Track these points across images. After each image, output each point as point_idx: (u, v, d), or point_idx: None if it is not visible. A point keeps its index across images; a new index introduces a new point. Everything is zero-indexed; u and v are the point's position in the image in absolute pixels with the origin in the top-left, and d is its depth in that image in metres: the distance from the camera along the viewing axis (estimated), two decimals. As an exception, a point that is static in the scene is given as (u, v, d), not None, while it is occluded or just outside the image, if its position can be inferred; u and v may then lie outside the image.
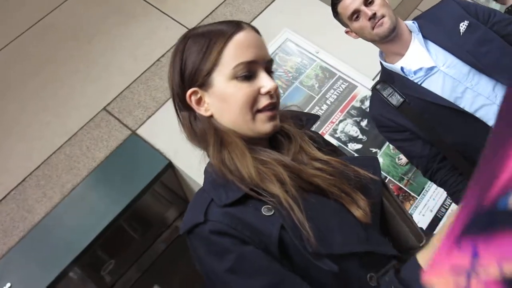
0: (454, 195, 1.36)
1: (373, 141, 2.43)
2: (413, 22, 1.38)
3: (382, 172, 2.37)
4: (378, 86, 1.41)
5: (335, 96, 2.58)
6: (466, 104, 1.25)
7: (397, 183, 2.36)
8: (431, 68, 1.30)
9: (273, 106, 0.78)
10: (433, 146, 1.34)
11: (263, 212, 0.70)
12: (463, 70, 1.27)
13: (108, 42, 2.74)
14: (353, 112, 2.52)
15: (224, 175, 0.74)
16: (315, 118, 0.95)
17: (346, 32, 1.43)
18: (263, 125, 0.78)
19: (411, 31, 1.35)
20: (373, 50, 1.50)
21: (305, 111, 2.54)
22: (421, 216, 2.28)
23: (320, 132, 2.47)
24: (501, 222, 0.28)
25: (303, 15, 2.81)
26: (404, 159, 2.41)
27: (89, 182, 2.23)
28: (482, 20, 1.30)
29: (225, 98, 0.77)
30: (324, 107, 2.55)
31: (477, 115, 1.25)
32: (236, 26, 0.78)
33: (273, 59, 0.84)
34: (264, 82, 0.77)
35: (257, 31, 0.82)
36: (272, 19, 2.86)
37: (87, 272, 2.29)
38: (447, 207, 2.30)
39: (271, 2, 2.92)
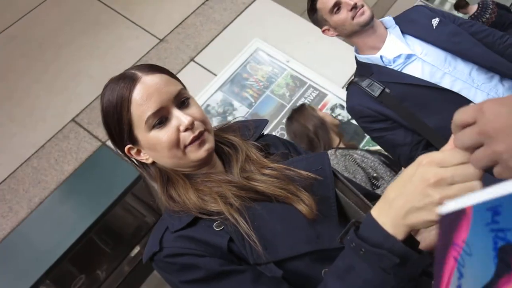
0: None
1: (351, 135, 2.49)
2: (389, 17, 1.44)
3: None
4: (355, 79, 1.43)
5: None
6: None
7: (368, 188, 2.41)
8: (410, 56, 1.33)
9: (198, 136, 0.83)
10: (415, 133, 1.34)
11: (214, 228, 0.77)
12: (440, 56, 1.32)
13: (75, 52, 2.70)
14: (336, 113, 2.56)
15: (173, 207, 0.81)
16: (263, 123, 1.00)
17: (323, 31, 1.45)
18: (196, 154, 0.83)
19: (386, 28, 1.39)
20: (343, 58, 1.54)
21: (277, 119, 2.58)
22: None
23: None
24: None
25: (273, 24, 2.85)
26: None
27: (57, 196, 2.18)
28: (449, 20, 1.38)
29: (153, 148, 0.84)
30: (295, 115, 2.58)
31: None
32: (131, 81, 0.82)
33: (185, 88, 0.88)
34: (179, 121, 0.81)
35: (153, 70, 0.85)
36: (243, 29, 2.89)
37: (56, 288, 2.22)
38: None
39: (241, 12, 2.95)
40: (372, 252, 0.56)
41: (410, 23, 1.40)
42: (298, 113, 2.01)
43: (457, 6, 3.52)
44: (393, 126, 1.36)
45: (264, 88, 2.68)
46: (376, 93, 1.34)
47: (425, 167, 0.53)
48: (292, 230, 0.78)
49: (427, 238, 0.70)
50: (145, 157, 0.88)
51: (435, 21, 1.36)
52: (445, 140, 1.27)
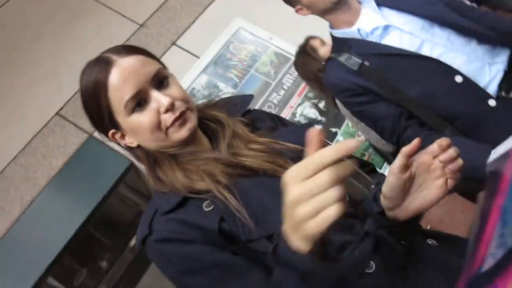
0: None
1: (332, 121, 2.49)
2: None
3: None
4: (333, 55, 1.40)
5: (292, 81, 2.61)
6: (426, 54, 1.28)
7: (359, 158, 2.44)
8: (387, 27, 1.32)
9: (180, 116, 0.81)
10: (397, 105, 1.33)
11: (205, 208, 0.76)
12: (417, 24, 1.31)
13: (55, 44, 2.63)
14: (310, 95, 2.56)
15: (161, 189, 0.81)
16: (248, 98, 1.00)
17: (297, 11, 1.43)
18: (178, 134, 0.82)
19: (360, 2, 1.37)
20: (325, 32, 1.52)
21: (263, 98, 2.57)
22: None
23: (280, 117, 2.51)
24: (483, 282, 0.35)
25: (254, 2, 2.80)
26: (363, 135, 2.49)
27: (49, 192, 2.15)
28: None
29: (135, 132, 0.83)
30: (282, 92, 2.57)
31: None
32: (106, 65, 0.80)
33: (164, 67, 0.86)
34: (159, 103, 0.80)
35: (129, 51, 0.83)
36: (224, 8, 2.84)
37: (59, 285, 2.22)
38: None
39: (221, -8, 2.90)
40: (281, 266, 0.57)
41: None
42: (298, 62, 2.03)
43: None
44: (374, 99, 1.34)
45: (249, 67, 2.66)
46: (355, 66, 1.32)
47: (287, 185, 0.50)
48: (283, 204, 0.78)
49: (451, 180, 0.69)
50: (130, 141, 0.87)
51: None
52: (427, 110, 1.27)
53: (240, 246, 0.74)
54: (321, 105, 2.53)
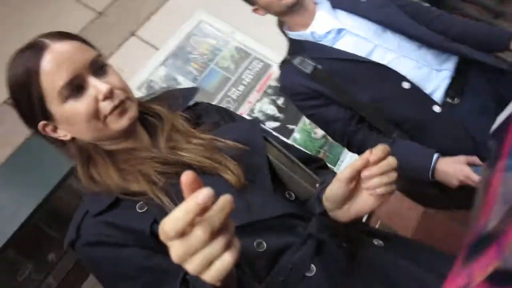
0: None
1: (290, 118, 2.52)
2: None
3: (300, 147, 2.49)
4: (287, 57, 1.41)
5: (251, 76, 2.62)
6: (376, 60, 1.31)
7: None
8: (340, 30, 1.33)
9: (119, 104, 0.77)
10: (348, 109, 1.35)
11: (138, 210, 0.72)
12: (370, 29, 1.33)
13: (7, 29, 2.50)
14: (269, 91, 2.58)
15: (93, 189, 0.75)
16: (192, 91, 0.97)
17: (254, 10, 1.43)
18: (117, 123, 0.78)
19: (316, 3, 1.39)
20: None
21: (222, 92, 2.56)
22: (338, 186, 2.43)
23: (239, 113, 2.51)
24: (484, 243, 0.34)
25: (216, -5, 2.78)
26: (319, 133, 2.53)
27: (-6, 182, 2.05)
28: None
29: (70, 121, 0.77)
30: (241, 87, 2.58)
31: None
32: (39, 50, 0.75)
33: (102, 56, 0.81)
34: (96, 89, 0.75)
35: (64, 37, 0.78)
36: (185, 0, 2.80)
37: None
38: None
39: (183, -18, 2.85)
40: None
41: None
42: None
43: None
44: (326, 102, 1.35)
45: (209, 61, 2.64)
46: (308, 70, 1.33)
47: (167, 242, 0.45)
48: None
49: (387, 194, 0.68)
50: (63, 134, 0.81)
51: None
52: (376, 114, 1.31)
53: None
54: (280, 101, 2.56)
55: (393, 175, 0.66)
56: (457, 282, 0.36)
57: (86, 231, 0.73)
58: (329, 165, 2.39)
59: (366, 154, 0.65)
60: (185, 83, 2.57)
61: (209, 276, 0.45)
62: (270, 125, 2.50)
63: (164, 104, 0.89)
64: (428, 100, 1.29)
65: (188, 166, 0.76)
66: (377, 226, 2.32)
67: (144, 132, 0.86)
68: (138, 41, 2.67)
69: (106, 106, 0.76)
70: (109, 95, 0.76)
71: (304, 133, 2.52)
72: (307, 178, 0.87)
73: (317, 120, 1.45)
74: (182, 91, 0.96)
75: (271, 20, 1.48)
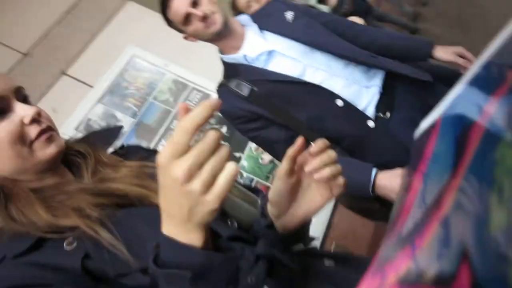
0: None
1: (236, 146, 2.50)
2: (245, 15, 1.44)
3: (248, 175, 2.47)
4: (223, 81, 1.41)
5: (192, 107, 2.58)
6: (309, 80, 1.32)
7: (264, 182, 2.47)
8: (271, 52, 1.34)
9: (46, 129, 0.72)
10: (288, 129, 1.35)
11: (65, 248, 0.65)
12: (299, 49, 1.34)
13: None
14: (211, 121, 2.55)
15: (14, 229, 0.66)
16: (116, 130, 0.94)
17: (185, 38, 1.41)
18: (44, 151, 0.72)
19: (243, 25, 1.40)
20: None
21: (165, 125, 2.51)
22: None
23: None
24: (399, 245, 0.35)
25: (146, 29, 2.74)
26: (266, 158, 2.53)
27: None
28: (303, 13, 1.42)
29: None
30: (183, 119, 2.54)
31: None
32: None
33: (23, 90, 0.75)
34: (23, 111, 0.70)
35: None
36: (115, 36, 2.75)
37: None
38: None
39: (110, 19, 2.80)
40: (167, 274, 0.51)
41: (266, 18, 1.41)
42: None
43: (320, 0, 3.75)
44: (266, 124, 1.36)
45: (147, 95, 2.58)
46: (245, 92, 1.33)
47: (167, 167, 0.46)
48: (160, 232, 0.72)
49: (334, 186, 0.66)
50: None
51: (290, 15, 1.39)
52: (315, 132, 1.32)
53: (110, 282, 0.65)
54: (223, 130, 2.53)
55: (337, 167, 0.64)
56: (370, 283, 0.35)
57: (4, 274, 0.63)
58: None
59: (299, 141, 0.64)
60: (125, 119, 2.49)
61: (216, 190, 0.46)
62: (215, 154, 2.46)
63: (87, 144, 0.83)
64: (362, 116, 1.31)
65: (122, 195, 0.71)
66: (332, 248, 2.32)
67: (68, 172, 0.79)
68: (70, 80, 2.57)
69: (32, 130, 0.70)
70: (37, 117, 0.70)
71: (252, 160, 2.51)
72: (247, 198, 0.84)
73: (260, 142, 1.44)
74: (105, 131, 0.90)
75: (204, 48, 1.46)
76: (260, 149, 2.25)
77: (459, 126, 0.36)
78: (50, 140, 0.72)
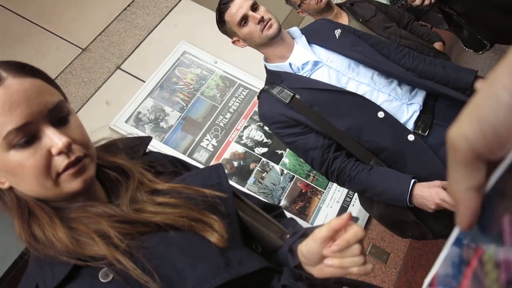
0: (354, 180, 1.38)
1: (279, 143, 2.54)
2: (295, 27, 1.49)
3: (289, 172, 2.50)
4: (266, 87, 1.46)
5: (238, 104, 2.65)
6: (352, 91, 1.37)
7: (304, 180, 2.49)
8: (316, 63, 1.39)
9: (76, 161, 0.65)
10: (326, 137, 1.39)
11: (101, 280, 0.61)
12: (344, 63, 1.39)
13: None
14: (256, 117, 2.60)
15: (39, 251, 0.63)
16: (147, 140, 0.87)
17: (233, 42, 1.47)
18: (70, 184, 0.65)
19: (293, 37, 1.44)
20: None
21: (210, 121, 2.59)
22: (329, 208, 2.43)
23: (226, 140, 2.54)
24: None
25: (198, 26, 2.84)
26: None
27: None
28: (350, 32, 1.47)
29: (12, 172, 0.63)
30: (228, 115, 2.61)
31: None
32: None
33: (66, 101, 0.69)
34: (51, 141, 0.63)
35: (25, 72, 0.65)
36: (168, 32, 2.86)
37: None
38: (351, 196, 2.47)
39: (165, 16, 2.91)
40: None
41: (315, 34, 1.46)
42: None
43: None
44: (304, 130, 1.39)
45: (195, 91, 2.68)
46: (287, 99, 1.37)
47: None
48: (200, 263, 0.65)
49: (322, 269, 0.69)
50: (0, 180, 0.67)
51: (337, 32, 1.43)
52: (354, 142, 1.36)
53: None
54: (267, 127, 2.58)
55: (356, 248, 0.66)
56: None
57: None
58: (319, 188, 2.43)
59: (346, 216, 0.65)
60: (172, 113, 2.59)
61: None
62: (259, 151, 2.52)
63: (124, 156, 0.78)
64: (402, 129, 1.33)
65: (155, 224, 0.67)
66: (368, 249, 2.32)
67: (100, 189, 0.74)
68: (124, 75, 2.71)
69: (60, 162, 0.64)
70: (65, 150, 0.63)
71: (293, 158, 2.54)
72: (273, 228, 0.82)
73: (296, 148, 1.47)
74: (137, 140, 0.85)
75: (251, 48, 1.52)
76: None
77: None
78: (78, 173, 0.65)
